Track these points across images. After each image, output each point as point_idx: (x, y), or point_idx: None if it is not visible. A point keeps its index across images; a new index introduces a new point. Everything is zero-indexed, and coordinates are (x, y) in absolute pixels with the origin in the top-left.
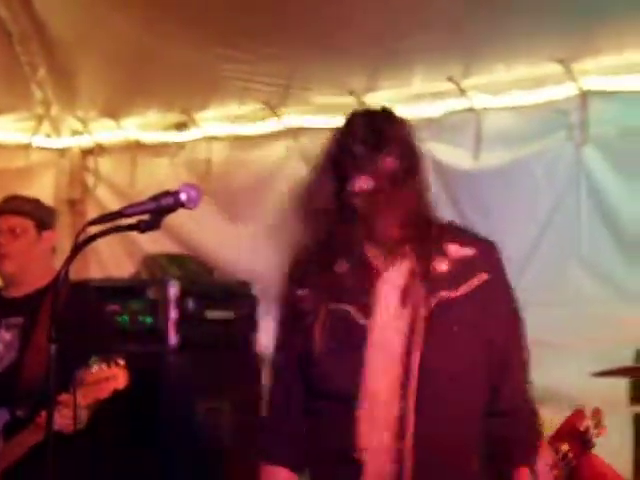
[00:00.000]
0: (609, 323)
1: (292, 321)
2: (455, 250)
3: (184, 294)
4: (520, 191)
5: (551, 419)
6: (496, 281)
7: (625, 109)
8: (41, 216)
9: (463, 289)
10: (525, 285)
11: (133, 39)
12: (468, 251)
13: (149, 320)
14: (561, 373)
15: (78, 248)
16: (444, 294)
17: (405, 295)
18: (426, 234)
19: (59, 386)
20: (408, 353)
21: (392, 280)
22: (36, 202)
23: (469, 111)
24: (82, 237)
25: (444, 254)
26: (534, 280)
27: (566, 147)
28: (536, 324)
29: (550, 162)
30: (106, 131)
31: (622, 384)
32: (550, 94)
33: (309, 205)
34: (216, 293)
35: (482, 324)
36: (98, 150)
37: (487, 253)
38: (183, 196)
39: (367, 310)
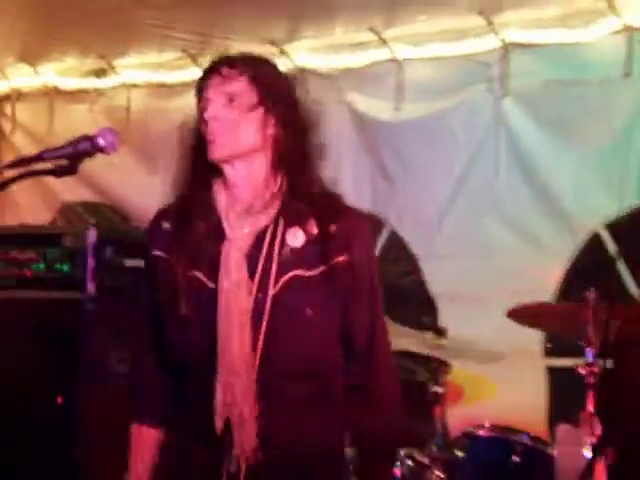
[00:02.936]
0: (526, 275)
1: (150, 281)
2: (318, 225)
3: (102, 242)
4: (439, 143)
5: (467, 372)
6: (357, 262)
7: (546, 62)
8: None
9: (318, 269)
10: (443, 237)
11: None
12: (332, 228)
13: (66, 268)
14: (478, 325)
15: None
16: (297, 272)
17: (249, 263)
18: (289, 198)
19: None
20: (255, 334)
21: (238, 244)
22: None
23: (390, 62)
24: None
25: (302, 227)
26: (451, 233)
27: (486, 99)
28: (453, 277)
29: (470, 114)
30: (23, 77)
31: (537, 337)
32: (471, 46)
33: (178, 160)
34: (134, 241)
35: (336, 308)
36: (15, 96)
37: (352, 232)
38: (101, 141)
39: (214, 275)
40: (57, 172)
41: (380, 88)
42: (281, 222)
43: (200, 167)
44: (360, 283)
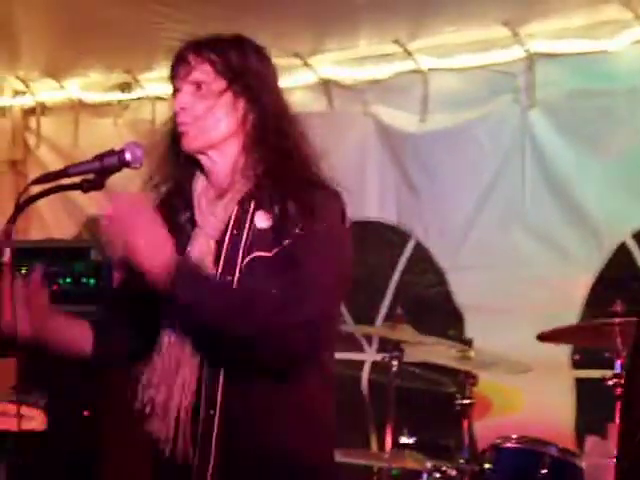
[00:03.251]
0: (552, 287)
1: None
2: (286, 205)
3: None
4: (465, 154)
5: (494, 384)
6: (312, 235)
7: (571, 72)
8: None
9: (278, 249)
10: (469, 249)
11: None
12: (291, 206)
13: (93, 282)
14: (505, 337)
15: (20, 208)
16: (258, 254)
17: (217, 249)
18: (262, 181)
19: None
20: None
21: (206, 231)
22: None
23: (415, 73)
24: (24, 197)
25: (270, 209)
26: (477, 244)
27: (512, 110)
28: (480, 288)
29: (496, 125)
30: (48, 91)
31: (565, 348)
32: (497, 57)
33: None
34: None
35: None
36: (40, 110)
37: (310, 205)
38: (128, 155)
39: None
40: (84, 187)
41: (405, 100)
42: (252, 205)
43: (180, 157)
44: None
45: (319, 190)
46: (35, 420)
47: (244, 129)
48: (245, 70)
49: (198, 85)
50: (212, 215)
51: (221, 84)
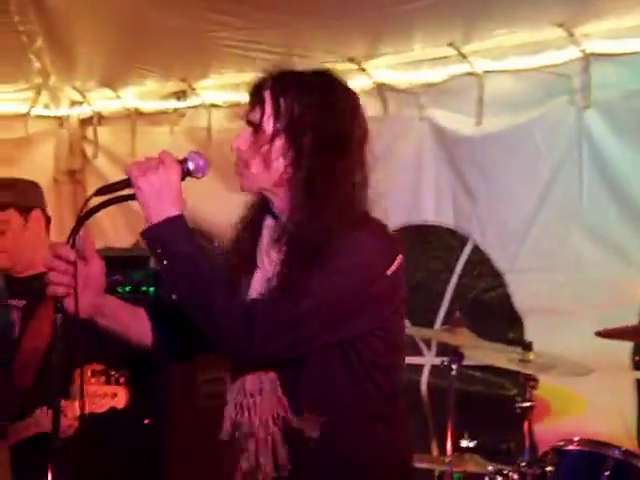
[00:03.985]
0: (612, 288)
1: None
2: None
3: None
4: (521, 156)
5: (555, 387)
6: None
7: (628, 72)
8: (22, 200)
9: None
10: (527, 251)
11: (131, 8)
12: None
13: (152, 290)
14: (565, 339)
15: (82, 220)
16: None
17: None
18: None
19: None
20: None
21: (263, 271)
22: (13, 185)
23: (471, 76)
24: (85, 209)
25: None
26: (536, 246)
27: (568, 111)
28: (539, 291)
29: (552, 127)
30: (105, 100)
31: (625, 350)
32: (552, 58)
33: None
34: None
35: None
36: (97, 120)
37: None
38: (190, 165)
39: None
40: None
41: (461, 103)
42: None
43: None
44: None
45: (341, 231)
46: (116, 397)
47: (296, 174)
48: (300, 113)
49: (255, 126)
50: (267, 256)
51: (274, 127)
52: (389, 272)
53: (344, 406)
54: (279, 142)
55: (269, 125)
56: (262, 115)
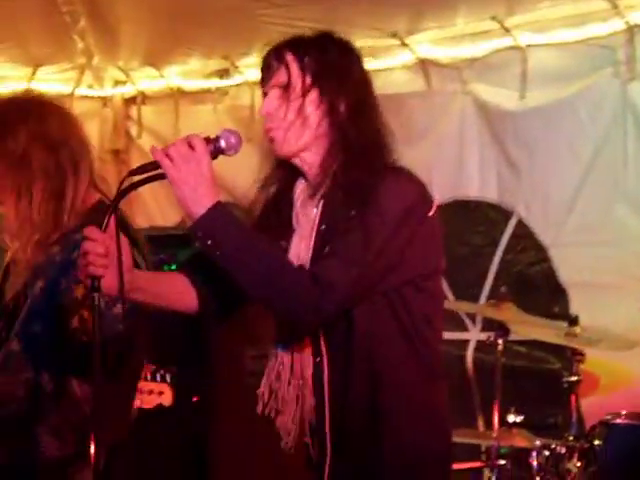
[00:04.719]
0: None
1: None
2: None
3: None
4: (566, 130)
5: (602, 361)
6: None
7: None
8: None
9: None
10: (571, 225)
11: None
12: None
13: None
14: (611, 313)
15: (119, 197)
16: None
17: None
18: (333, 183)
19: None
20: None
21: (301, 232)
22: None
23: (514, 50)
24: (124, 186)
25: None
26: (580, 220)
27: (612, 84)
28: (584, 265)
29: (596, 100)
30: (148, 80)
31: None
32: (596, 30)
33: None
34: None
35: None
36: (141, 99)
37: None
38: (222, 143)
39: None
40: None
41: (504, 77)
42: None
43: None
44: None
45: (381, 176)
46: (164, 394)
47: (332, 125)
48: (327, 66)
49: (283, 88)
50: (304, 215)
51: (305, 83)
52: (431, 213)
53: (395, 362)
54: (311, 96)
55: (298, 82)
56: (289, 75)
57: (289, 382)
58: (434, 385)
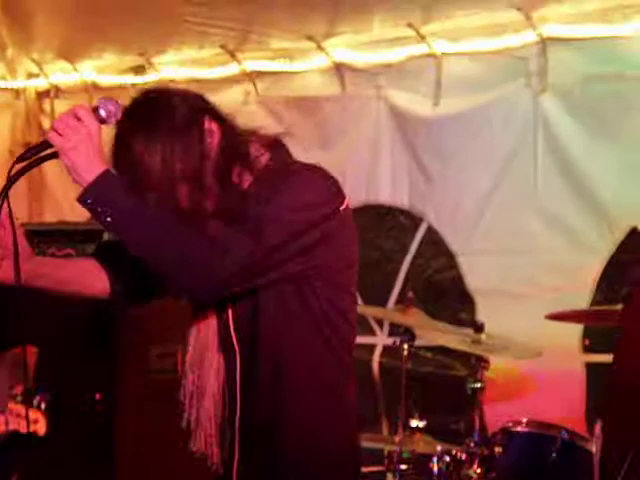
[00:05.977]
0: (563, 271)
1: None
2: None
3: None
4: (478, 138)
5: (505, 368)
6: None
7: (584, 57)
8: None
9: None
10: (481, 233)
11: None
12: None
13: None
14: (517, 321)
15: (9, 184)
16: None
17: None
18: None
19: None
20: None
21: None
22: None
23: (429, 57)
24: (11, 174)
25: None
26: (489, 228)
27: (524, 95)
28: (491, 272)
29: (508, 109)
30: (62, 73)
31: (575, 333)
32: (510, 41)
33: None
34: None
35: None
36: (54, 92)
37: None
38: (102, 112)
39: None
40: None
41: (418, 83)
42: None
43: None
44: None
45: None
46: (38, 423)
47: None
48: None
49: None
50: None
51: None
52: (342, 208)
53: (301, 350)
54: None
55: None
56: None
57: (204, 378)
58: (341, 373)
